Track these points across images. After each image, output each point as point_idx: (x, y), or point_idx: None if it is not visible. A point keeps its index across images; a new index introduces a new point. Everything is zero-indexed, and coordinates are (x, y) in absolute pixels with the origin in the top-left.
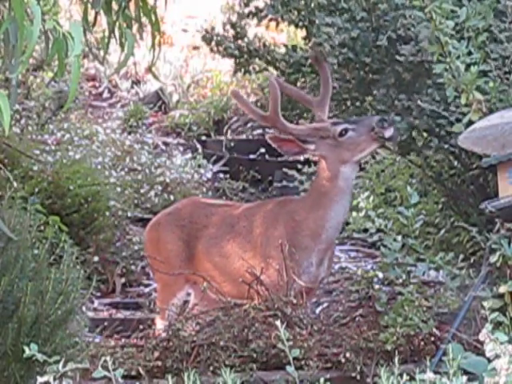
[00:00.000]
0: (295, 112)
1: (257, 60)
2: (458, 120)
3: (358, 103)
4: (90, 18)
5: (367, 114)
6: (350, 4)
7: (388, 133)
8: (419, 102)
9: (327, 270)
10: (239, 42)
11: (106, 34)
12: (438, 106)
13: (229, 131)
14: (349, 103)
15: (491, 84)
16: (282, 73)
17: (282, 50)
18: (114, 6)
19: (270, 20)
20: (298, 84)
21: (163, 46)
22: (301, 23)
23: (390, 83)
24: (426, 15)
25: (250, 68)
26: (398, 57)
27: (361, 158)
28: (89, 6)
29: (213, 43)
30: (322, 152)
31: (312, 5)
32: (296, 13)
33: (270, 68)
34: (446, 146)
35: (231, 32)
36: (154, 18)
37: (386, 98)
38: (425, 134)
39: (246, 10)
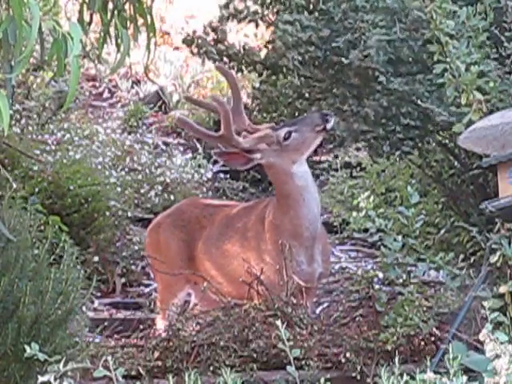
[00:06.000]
0: (277, 113)
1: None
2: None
3: (332, 102)
4: (86, 18)
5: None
6: (328, 5)
7: (329, 125)
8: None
9: (324, 265)
10: (219, 45)
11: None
12: (385, 112)
13: None
14: (322, 103)
15: (491, 84)
16: (259, 75)
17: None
18: (110, 7)
19: (250, 22)
20: (279, 84)
21: (163, 46)
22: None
23: (354, 84)
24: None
25: (243, 67)
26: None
27: (309, 153)
28: (84, 6)
29: (194, 46)
30: (268, 159)
31: (290, 6)
32: (275, 14)
33: (250, 68)
34: (398, 153)
35: (212, 35)
36: (149, 19)
37: (352, 98)
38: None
39: (226, 13)
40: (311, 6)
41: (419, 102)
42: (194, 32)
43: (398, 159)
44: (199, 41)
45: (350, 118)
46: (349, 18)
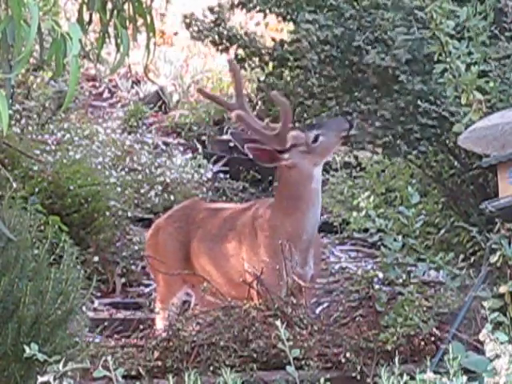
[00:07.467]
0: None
1: (241, 50)
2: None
3: (343, 102)
4: (86, 18)
5: (351, 114)
6: (338, 1)
7: (353, 130)
8: (384, 109)
9: (316, 267)
10: (219, 28)
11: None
12: (402, 112)
13: (229, 131)
14: (334, 102)
15: (491, 84)
16: (266, 65)
17: (268, 42)
18: (110, 7)
19: (259, 11)
20: (284, 78)
21: (163, 46)
22: (288, 17)
23: (372, 83)
24: (405, 18)
25: (246, 65)
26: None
27: (329, 158)
28: (84, 6)
29: (193, 28)
30: (294, 159)
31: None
32: (285, 6)
33: (256, 59)
34: (415, 152)
35: (210, 17)
36: (149, 19)
37: (370, 97)
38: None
39: (236, 1)
40: (321, 2)
41: (430, 103)
42: (192, 14)
43: (397, 159)
44: (198, 22)
45: (368, 117)
46: (365, 16)
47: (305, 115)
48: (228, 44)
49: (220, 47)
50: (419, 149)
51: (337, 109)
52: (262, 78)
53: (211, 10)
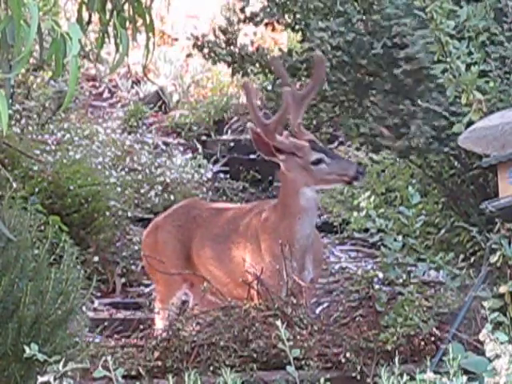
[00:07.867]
0: None
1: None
2: (458, 121)
3: (355, 105)
4: (86, 18)
5: (365, 118)
6: (345, 7)
7: (358, 182)
8: (426, 105)
9: (316, 270)
10: (231, 47)
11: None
12: (440, 108)
13: (229, 131)
14: (346, 105)
15: (491, 84)
16: (277, 77)
17: (276, 52)
18: (109, 7)
19: (266, 24)
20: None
21: (163, 46)
22: (297, 26)
23: (387, 88)
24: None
25: (248, 70)
26: (397, 59)
27: (322, 188)
28: (83, 6)
29: (205, 50)
30: (287, 166)
31: (307, 8)
32: (292, 16)
33: (265, 71)
34: (446, 150)
35: (222, 38)
36: (148, 19)
37: (384, 103)
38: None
39: (242, 16)
40: (327, 10)
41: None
42: (204, 36)
43: (398, 159)
44: (210, 45)
45: (408, 119)
46: (379, 20)
47: (317, 118)
48: (240, 62)
49: (234, 66)
50: (450, 145)
51: (349, 111)
52: (269, 88)
53: (223, 31)
